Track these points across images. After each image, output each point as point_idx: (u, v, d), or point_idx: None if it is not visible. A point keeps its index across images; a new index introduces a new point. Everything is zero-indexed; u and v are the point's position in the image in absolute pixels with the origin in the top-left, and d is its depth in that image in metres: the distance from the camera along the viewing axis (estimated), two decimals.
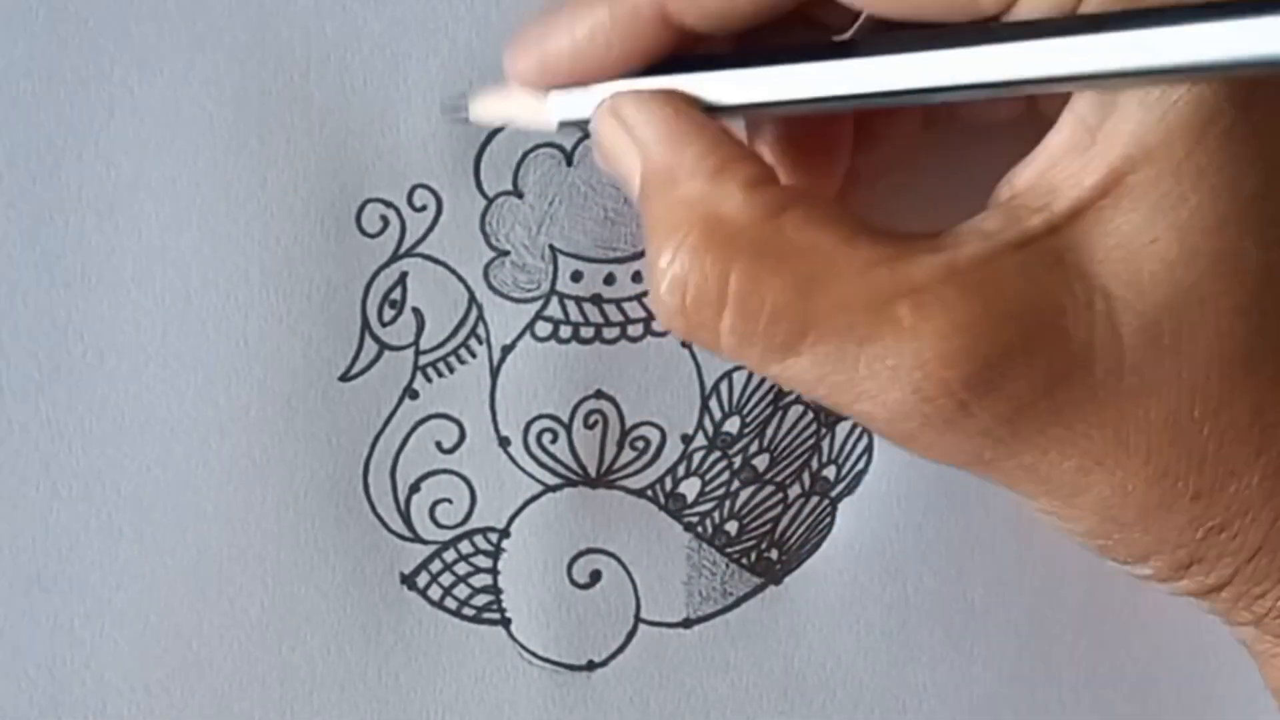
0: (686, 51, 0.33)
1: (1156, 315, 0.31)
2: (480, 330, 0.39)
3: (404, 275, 0.39)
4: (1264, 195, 0.31)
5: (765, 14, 0.32)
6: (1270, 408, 0.32)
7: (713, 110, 0.33)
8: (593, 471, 0.40)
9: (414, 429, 0.39)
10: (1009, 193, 0.32)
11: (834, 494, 0.40)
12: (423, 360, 0.39)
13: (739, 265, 0.31)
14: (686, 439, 0.40)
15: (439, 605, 0.40)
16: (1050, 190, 0.31)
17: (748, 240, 0.31)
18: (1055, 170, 0.31)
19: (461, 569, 0.40)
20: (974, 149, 0.35)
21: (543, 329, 0.39)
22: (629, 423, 0.40)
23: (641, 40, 0.33)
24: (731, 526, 0.40)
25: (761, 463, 0.40)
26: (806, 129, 0.35)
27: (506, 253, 0.39)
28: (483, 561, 0.40)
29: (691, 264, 0.31)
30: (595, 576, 0.40)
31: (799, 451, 0.40)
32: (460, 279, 0.39)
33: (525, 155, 0.39)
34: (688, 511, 0.40)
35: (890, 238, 0.31)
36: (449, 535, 0.39)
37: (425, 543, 0.39)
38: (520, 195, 0.39)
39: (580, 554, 0.40)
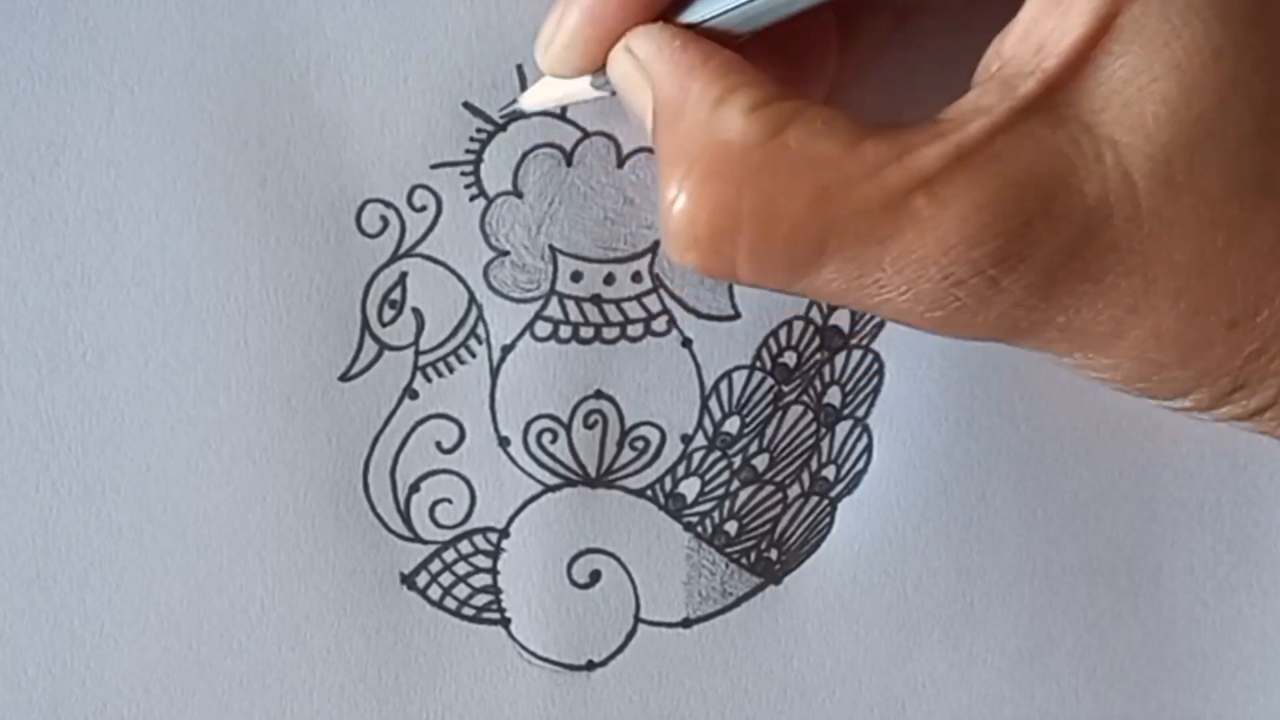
0: None
1: (1166, 155, 0.31)
2: (480, 330, 0.39)
3: (404, 275, 0.39)
4: (1257, 20, 0.31)
5: None
6: None
7: (718, 35, 0.33)
8: (592, 471, 0.40)
9: (414, 429, 0.39)
10: (998, 62, 0.32)
11: (834, 494, 0.40)
12: (423, 360, 0.39)
13: (750, 188, 0.31)
14: (686, 439, 0.40)
15: (439, 605, 0.40)
16: (1038, 49, 0.31)
17: (755, 162, 0.31)
18: (1038, 28, 0.31)
19: (461, 569, 0.40)
20: (953, 30, 0.35)
21: (543, 329, 0.39)
22: (629, 423, 0.40)
23: None
24: (731, 526, 0.40)
25: (761, 463, 0.40)
26: (793, 38, 0.36)
27: (506, 253, 0.39)
28: (482, 561, 0.40)
29: (701, 194, 0.32)
30: (595, 576, 0.40)
31: (799, 451, 0.40)
32: (460, 279, 0.39)
33: (525, 155, 0.39)
34: (688, 511, 0.40)
35: (892, 133, 0.31)
36: (449, 535, 0.39)
37: (425, 543, 0.39)
38: (520, 195, 0.39)
39: (580, 554, 0.40)
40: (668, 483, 0.40)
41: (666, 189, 0.32)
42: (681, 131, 0.32)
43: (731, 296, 0.40)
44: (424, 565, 0.39)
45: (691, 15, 0.34)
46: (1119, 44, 0.31)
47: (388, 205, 0.38)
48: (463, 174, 0.39)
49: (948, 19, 0.37)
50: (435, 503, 0.39)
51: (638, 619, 0.40)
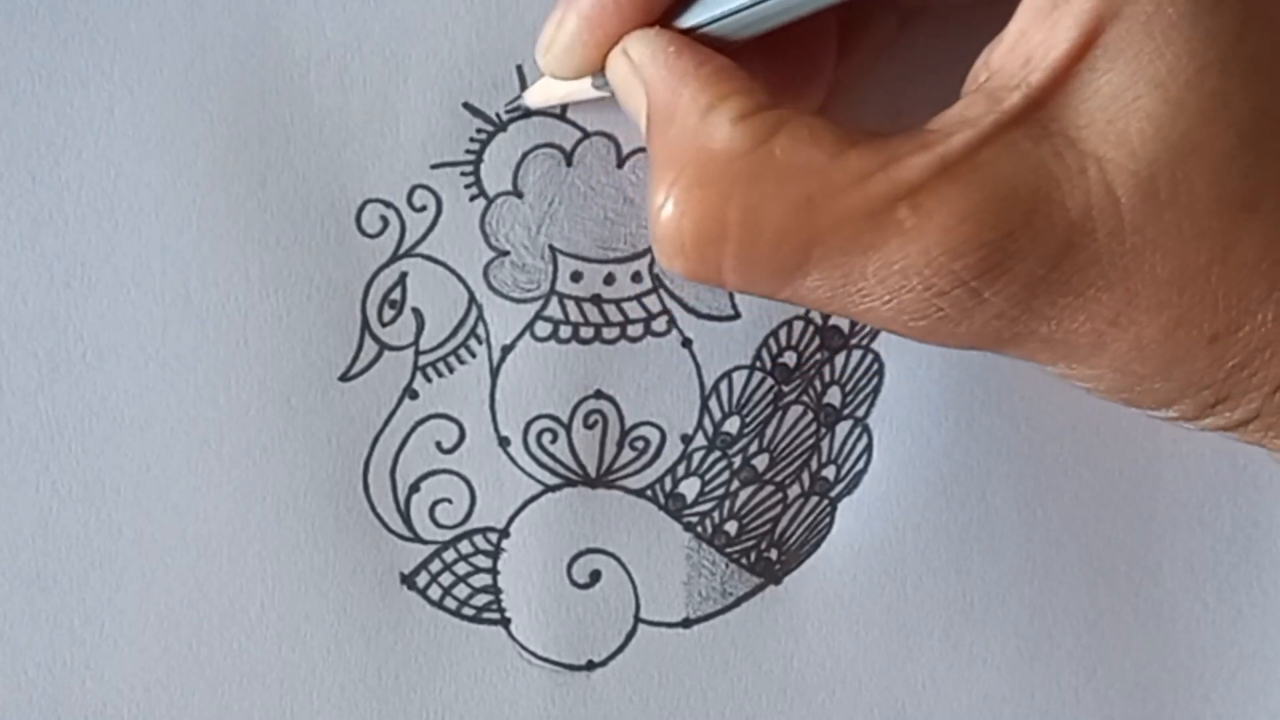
0: None
1: (1150, 171, 0.31)
2: (480, 330, 0.39)
3: (404, 275, 0.39)
4: (1240, 37, 0.31)
5: None
6: (1276, 244, 0.32)
7: (715, 39, 0.34)
8: (592, 471, 0.40)
9: (414, 429, 0.39)
10: (986, 73, 0.32)
11: (834, 494, 0.40)
12: (423, 360, 0.39)
13: (736, 196, 0.32)
14: (686, 439, 0.40)
15: (439, 605, 0.40)
16: (1025, 62, 0.31)
17: (741, 170, 0.32)
18: (1026, 41, 0.32)
19: (461, 569, 0.40)
20: (951, 40, 0.36)
21: (543, 329, 0.39)
22: (629, 423, 0.40)
23: None
24: (731, 526, 0.40)
25: (761, 463, 0.40)
26: (792, 43, 0.36)
27: (506, 253, 0.39)
28: (482, 561, 0.40)
29: (688, 201, 0.32)
30: (595, 576, 0.40)
31: (799, 451, 0.40)
32: (460, 279, 0.39)
33: (525, 155, 0.39)
34: (687, 511, 0.40)
35: (878, 143, 0.32)
36: (449, 535, 0.39)
37: (425, 543, 0.39)
38: (520, 195, 0.39)
39: (580, 554, 0.40)
40: (668, 483, 0.40)
41: (655, 194, 0.32)
42: (671, 137, 0.32)
43: (731, 296, 0.40)
44: (424, 565, 0.39)
45: (688, 20, 0.34)
46: (1104, 60, 0.31)
47: (388, 205, 0.39)
48: (463, 174, 0.39)
49: (949, 24, 0.37)
50: (435, 503, 0.39)
51: (638, 619, 0.40)
